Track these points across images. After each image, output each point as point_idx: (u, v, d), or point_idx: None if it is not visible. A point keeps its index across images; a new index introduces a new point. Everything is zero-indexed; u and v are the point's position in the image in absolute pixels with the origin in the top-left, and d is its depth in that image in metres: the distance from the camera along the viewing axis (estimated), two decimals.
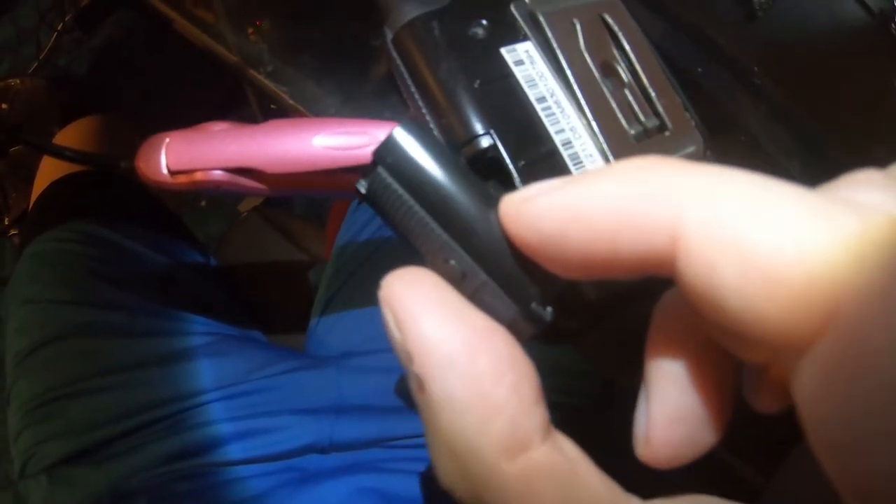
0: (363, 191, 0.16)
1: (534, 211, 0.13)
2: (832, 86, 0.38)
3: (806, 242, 0.10)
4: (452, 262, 0.15)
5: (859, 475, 0.10)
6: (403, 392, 0.47)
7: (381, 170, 0.15)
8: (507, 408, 0.13)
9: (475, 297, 0.15)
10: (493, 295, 0.15)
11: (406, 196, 0.15)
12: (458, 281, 0.15)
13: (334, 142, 0.23)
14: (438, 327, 0.13)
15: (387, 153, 0.15)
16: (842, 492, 0.10)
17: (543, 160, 0.21)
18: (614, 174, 0.13)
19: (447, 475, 0.14)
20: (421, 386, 0.13)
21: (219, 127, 0.25)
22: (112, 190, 0.67)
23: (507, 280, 0.15)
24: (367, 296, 0.56)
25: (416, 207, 0.15)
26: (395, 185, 0.15)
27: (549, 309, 0.15)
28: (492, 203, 0.15)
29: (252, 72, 0.32)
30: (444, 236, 0.15)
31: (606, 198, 0.12)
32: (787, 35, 0.38)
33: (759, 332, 0.11)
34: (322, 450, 0.51)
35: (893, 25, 0.39)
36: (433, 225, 0.15)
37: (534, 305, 0.15)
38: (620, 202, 0.12)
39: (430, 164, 0.15)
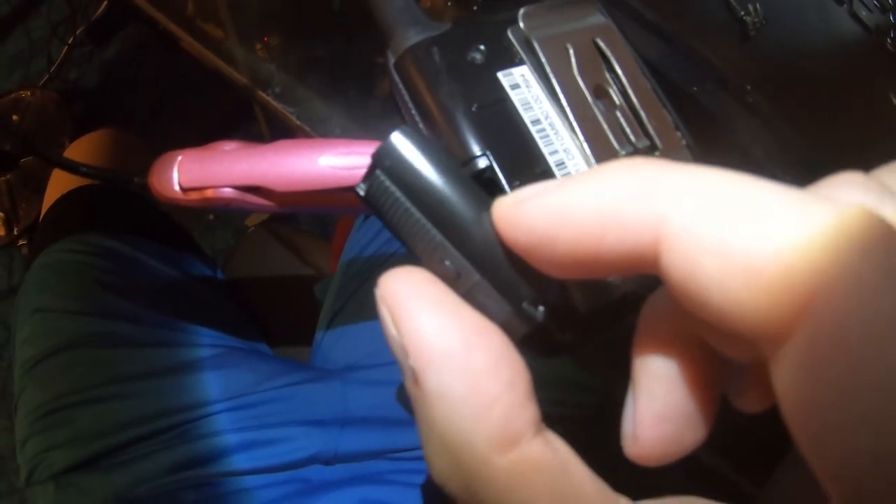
0: (362, 193, 0.16)
1: (524, 213, 0.14)
2: (828, 102, 0.39)
3: (782, 236, 0.11)
4: (447, 262, 0.16)
5: (836, 457, 0.10)
6: (405, 400, 0.48)
7: (378, 173, 0.16)
8: (500, 402, 0.13)
9: (469, 296, 0.16)
10: (486, 294, 0.16)
11: (403, 198, 0.16)
12: (453, 281, 0.16)
13: (339, 162, 0.24)
14: (434, 323, 0.14)
15: (385, 157, 0.16)
16: (821, 477, 0.11)
17: (538, 180, 0.22)
18: (600, 176, 0.13)
19: (440, 469, 0.14)
20: (416, 380, 0.14)
21: (229, 146, 0.26)
22: (122, 203, 0.68)
23: (500, 280, 0.15)
24: (373, 310, 0.56)
25: (413, 209, 0.16)
26: (393, 188, 0.16)
27: (540, 309, 0.16)
28: (485, 206, 0.15)
29: (261, 93, 0.34)
30: (439, 237, 0.16)
31: (592, 199, 0.13)
32: (781, 53, 0.39)
33: (740, 323, 0.11)
34: (327, 461, 0.51)
35: (889, 41, 0.39)
36: (429, 226, 0.16)
37: (525, 305, 0.16)
38: (605, 203, 0.13)
39: (426, 168, 0.16)
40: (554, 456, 0.14)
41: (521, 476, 0.13)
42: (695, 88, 0.36)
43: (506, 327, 0.15)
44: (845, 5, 0.40)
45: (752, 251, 0.11)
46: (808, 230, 0.11)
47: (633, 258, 0.13)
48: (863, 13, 0.40)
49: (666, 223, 0.12)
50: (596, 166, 0.14)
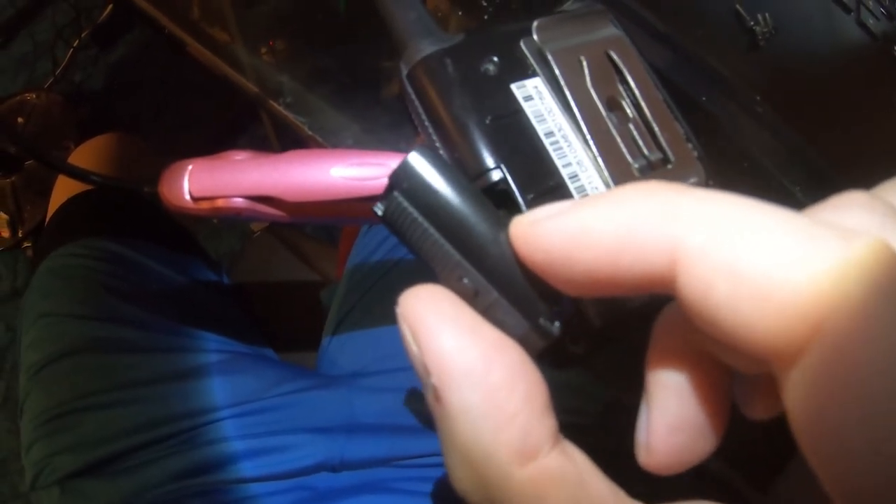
0: (380, 213, 0.17)
1: (542, 233, 0.14)
2: (835, 110, 0.39)
3: (792, 264, 0.11)
4: (465, 280, 0.16)
5: (843, 469, 0.11)
6: (415, 408, 0.48)
7: (396, 194, 0.16)
8: (519, 416, 0.14)
9: (487, 313, 0.16)
10: (504, 311, 0.16)
11: (421, 219, 0.16)
12: (471, 298, 0.16)
13: (351, 173, 0.24)
14: (455, 341, 0.14)
15: (402, 178, 0.16)
16: (828, 488, 0.11)
17: (551, 193, 0.22)
18: (617, 198, 0.13)
19: (461, 481, 0.14)
20: (438, 396, 0.14)
21: (240, 156, 0.26)
22: (128, 207, 0.68)
23: (517, 297, 0.16)
24: (379, 316, 0.57)
25: (431, 230, 0.16)
26: (411, 209, 0.16)
27: (556, 324, 0.16)
28: (502, 225, 0.16)
29: (272, 103, 0.34)
30: (458, 257, 0.16)
31: (609, 221, 0.13)
32: (790, 62, 0.39)
33: (751, 345, 0.12)
34: (333, 468, 0.51)
35: None
36: (447, 246, 0.16)
37: (542, 321, 0.16)
38: (622, 226, 0.13)
39: (444, 188, 0.16)
40: (572, 467, 0.14)
41: (540, 488, 0.14)
42: (704, 98, 0.36)
43: (523, 342, 0.16)
44: (853, 14, 0.40)
45: (764, 279, 0.11)
46: (817, 261, 0.11)
47: (649, 279, 0.13)
48: (870, 21, 0.40)
49: (682, 247, 0.12)
50: (612, 189, 0.14)
